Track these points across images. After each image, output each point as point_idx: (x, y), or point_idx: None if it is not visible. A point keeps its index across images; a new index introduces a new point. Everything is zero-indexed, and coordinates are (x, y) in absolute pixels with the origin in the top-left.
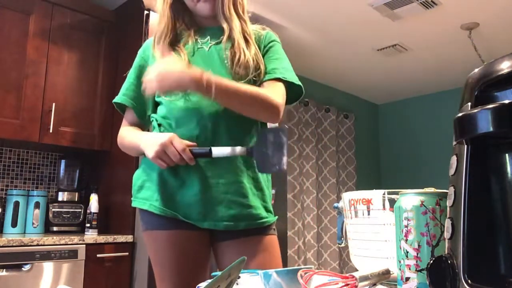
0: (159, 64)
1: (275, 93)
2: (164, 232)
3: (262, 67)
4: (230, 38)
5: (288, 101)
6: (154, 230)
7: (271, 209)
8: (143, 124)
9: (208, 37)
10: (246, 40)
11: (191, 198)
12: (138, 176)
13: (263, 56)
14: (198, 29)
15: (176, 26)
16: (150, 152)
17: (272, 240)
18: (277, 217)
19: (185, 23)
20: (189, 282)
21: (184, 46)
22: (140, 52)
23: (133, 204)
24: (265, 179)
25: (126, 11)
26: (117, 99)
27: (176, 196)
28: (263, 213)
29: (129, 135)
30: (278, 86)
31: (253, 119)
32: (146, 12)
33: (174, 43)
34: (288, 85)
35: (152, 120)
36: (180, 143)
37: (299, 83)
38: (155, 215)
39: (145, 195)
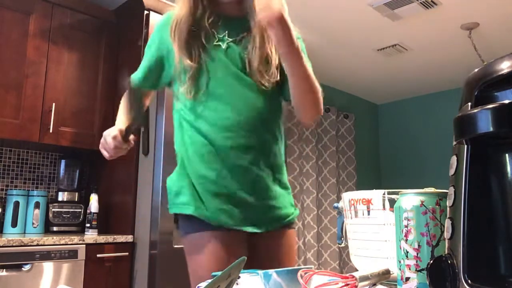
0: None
1: None
2: (209, 232)
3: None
4: (257, 35)
5: None
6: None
7: (293, 202)
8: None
9: (226, 32)
10: (263, 37)
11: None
12: (173, 183)
13: None
14: (217, 19)
15: (198, 13)
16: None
17: (293, 234)
18: (298, 210)
19: (205, 7)
20: None
21: (198, 40)
22: (156, 36)
23: (172, 211)
24: (285, 173)
25: (126, 11)
26: (133, 81)
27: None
28: (290, 210)
29: (120, 109)
30: None
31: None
32: (146, 12)
33: (190, 33)
34: None
35: (179, 116)
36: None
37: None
38: (195, 218)
39: (183, 200)
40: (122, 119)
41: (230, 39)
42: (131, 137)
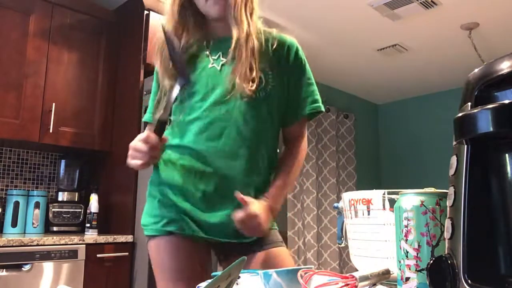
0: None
1: (304, 139)
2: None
3: (270, 82)
4: (239, 49)
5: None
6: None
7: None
8: None
9: (220, 53)
10: (252, 51)
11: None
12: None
13: (291, 81)
14: (209, 41)
15: (183, 33)
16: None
17: (281, 252)
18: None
19: (193, 29)
20: None
21: (195, 61)
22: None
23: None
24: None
25: (126, 11)
26: (144, 118)
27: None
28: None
29: None
30: (304, 123)
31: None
32: (146, 12)
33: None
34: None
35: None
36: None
37: (323, 109)
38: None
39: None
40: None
41: (224, 60)
42: (164, 135)
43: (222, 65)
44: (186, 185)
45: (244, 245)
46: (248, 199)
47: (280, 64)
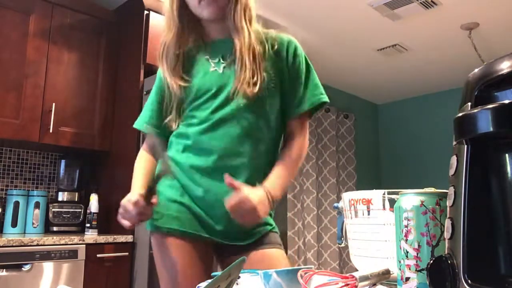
0: (251, 200)
1: (304, 134)
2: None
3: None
4: (241, 56)
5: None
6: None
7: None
8: (166, 138)
9: (220, 56)
10: (254, 56)
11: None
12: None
13: (290, 78)
14: (206, 44)
15: (185, 35)
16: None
17: (277, 253)
18: (273, 226)
19: (192, 32)
20: None
21: (196, 64)
22: (159, 73)
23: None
24: None
25: (126, 11)
26: (136, 125)
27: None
28: (260, 228)
29: (135, 169)
30: (305, 120)
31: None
32: (146, 12)
33: (183, 58)
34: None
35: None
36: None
37: (326, 99)
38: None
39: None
40: (138, 183)
41: (225, 63)
42: (154, 199)
43: (224, 67)
44: (188, 182)
45: (241, 246)
46: (239, 183)
47: (280, 62)
